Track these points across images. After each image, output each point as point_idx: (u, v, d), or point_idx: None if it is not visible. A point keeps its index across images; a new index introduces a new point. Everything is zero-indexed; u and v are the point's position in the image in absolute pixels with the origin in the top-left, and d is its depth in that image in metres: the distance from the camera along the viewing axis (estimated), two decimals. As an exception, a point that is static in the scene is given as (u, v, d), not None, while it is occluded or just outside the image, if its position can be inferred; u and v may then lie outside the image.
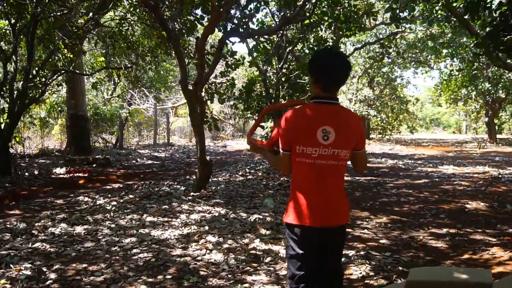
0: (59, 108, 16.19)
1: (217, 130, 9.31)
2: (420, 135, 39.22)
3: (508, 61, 9.24)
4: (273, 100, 11.60)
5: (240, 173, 10.29)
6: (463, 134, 42.37)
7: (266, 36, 11.91)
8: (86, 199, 7.62)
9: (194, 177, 9.69)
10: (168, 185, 8.69)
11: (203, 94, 8.45)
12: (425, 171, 11.60)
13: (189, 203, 6.89)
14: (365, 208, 6.96)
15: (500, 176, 10.29)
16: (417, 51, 21.34)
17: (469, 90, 22.41)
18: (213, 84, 8.10)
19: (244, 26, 7.80)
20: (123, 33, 12.95)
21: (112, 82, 29.41)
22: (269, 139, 2.52)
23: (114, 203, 6.98)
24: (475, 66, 22.42)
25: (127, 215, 6.20)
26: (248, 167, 11.73)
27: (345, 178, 2.60)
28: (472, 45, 6.67)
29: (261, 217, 6.10)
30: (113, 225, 5.64)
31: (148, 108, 22.90)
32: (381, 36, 18.01)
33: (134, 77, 15.95)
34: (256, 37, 8.71)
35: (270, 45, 11.80)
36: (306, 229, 2.32)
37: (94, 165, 11.86)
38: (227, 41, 8.15)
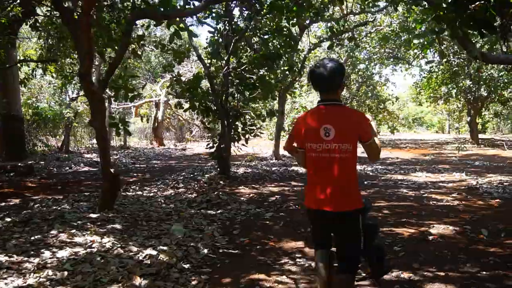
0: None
1: (128, 134, 7.71)
2: (401, 135, 37.89)
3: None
4: (224, 98, 10.04)
5: (173, 185, 8.72)
6: (446, 134, 41.21)
7: (219, 26, 10.39)
8: (-50, 224, 5.96)
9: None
10: (72, 202, 7.07)
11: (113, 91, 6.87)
12: (394, 179, 10.13)
13: (74, 230, 5.28)
14: (302, 236, 5.42)
15: (477, 186, 8.85)
16: (394, 46, 19.95)
17: (449, 88, 21.03)
18: (121, 78, 6.44)
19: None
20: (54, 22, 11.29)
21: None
22: (287, 140, 3.07)
23: (-27, 232, 5.35)
24: (456, 62, 21.14)
25: (-27, 252, 4.59)
26: (192, 175, 10.17)
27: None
28: (430, 20, 5.15)
29: (154, 253, 4.53)
30: None
31: (112, 107, 21.24)
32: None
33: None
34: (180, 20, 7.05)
35: (218, 35, 10.26)
36: (312, 211, 2.82)
37: (12, 174, 10.17)
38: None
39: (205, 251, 4.73)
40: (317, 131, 2.70)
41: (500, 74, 17.70)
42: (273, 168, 11.73)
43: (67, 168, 11.89)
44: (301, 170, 11.40)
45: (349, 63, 20.66)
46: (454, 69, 21.12)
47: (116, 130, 6.43)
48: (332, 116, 2.70)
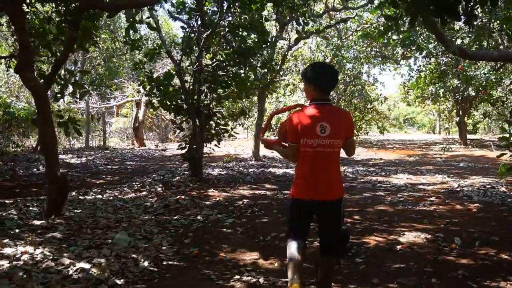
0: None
1: (79, 134, 7.22)
2: (391, 136, 37.52)
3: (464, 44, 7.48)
4: (195, 97, 9.59)
5: (137, 188, 8.24)
6: (436, 134, 40.92)
7: (191, 22, 9.93)
8: None
9: (74, 193, 7.66)
10: (21, 207, 6.57)
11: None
12: (373, 181, 9.70)
13: (7, 240, 4.79)
14: (259, 245, 4.96)
15: (459, 189, 8.45)
16: (381, 44, 19.56)
17: (437, 88, 20.64)
18: (67, 73, 5.91)
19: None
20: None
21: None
22: (279, 136, 3.32)
23: None
24: (444, 61, 20.78)
25: None
26: (162, 177, 9.69)
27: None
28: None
29: (87, 266, 4.07)
30: None
31: (93, 107, 20.64)
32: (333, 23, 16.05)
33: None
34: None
35: (190, 30, 9.80)
36: (303, 201, 3.10)
37: (-28, 176, 9.66)
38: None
39: (146, 263, 4.26)
40: (313, 128, 2.95)
41: (483, 72, 17.10)
42: (250, 170, 11.28)
43: (35, 169, 11.37)
44: (278, 172, 10.99)
45: (335, 61, 20.24)
46: (442, 68, 20.76)
47: (65, 129, 5.95)
48: (327, 114, 2.98)
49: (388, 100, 35.72)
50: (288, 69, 20.68)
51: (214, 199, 7.48)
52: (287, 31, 13.76)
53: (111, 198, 7.30)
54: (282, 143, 3.26)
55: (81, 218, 5.82)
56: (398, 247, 4.80)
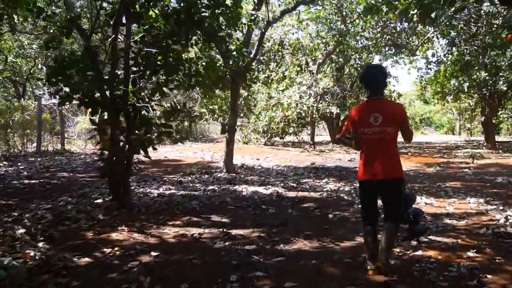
0: None
1: None
2: (406, 137, 33.99)
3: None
4: (121, 87, 6.65)
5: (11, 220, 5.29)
6: (456, 135, 37.31)
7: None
8: None
9: None
10: None
11: None
12: (375, 209, 6.58)
13: None
14: None
15: (508, 226, 5.33)
16: (394, 30, 16.42)
17: (460, 81, 17.31)
18: None
19: None
20: None
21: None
22: (342, 130, 4.06)
23: None
24: (468, 51, 17.54)
25: None
26: (68, 201, 6.75)
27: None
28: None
29: None
30: None
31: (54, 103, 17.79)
32: None
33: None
34: None
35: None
36: (366, 182, 3.78)
37: None
38: None
39: None
40: (368, 119, 3.66)
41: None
42: (209, 188, 8.25)
43: None
44: (246, 191, 7.97)
45: (338, 50, 17.10)
46: (466, 58, 17.51)
47: None
48: (379, 107, 3.67)
49: (403, 98, 32.42)
50: (283, 59, 17.62)
51: (100, 254, 4.49)
52: (267, 4, 10.63)
53: None
54: (347, 135, 3.96)
55: None
56: None
